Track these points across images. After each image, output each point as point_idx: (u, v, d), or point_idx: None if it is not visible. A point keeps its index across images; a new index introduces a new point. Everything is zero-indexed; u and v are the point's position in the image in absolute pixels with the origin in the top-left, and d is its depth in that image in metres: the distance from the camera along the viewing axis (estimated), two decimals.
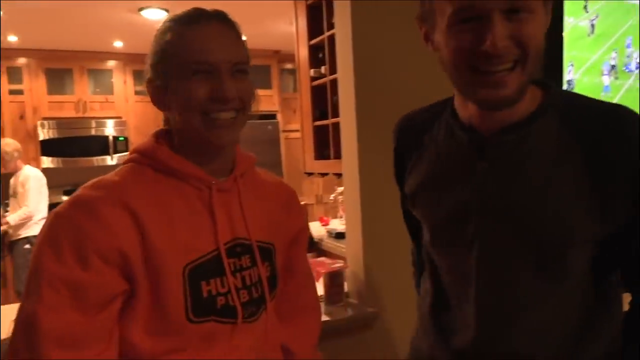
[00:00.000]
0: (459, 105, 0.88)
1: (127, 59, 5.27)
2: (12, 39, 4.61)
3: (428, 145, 0.93)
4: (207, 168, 0.88)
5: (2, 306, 2.01)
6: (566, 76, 2.07)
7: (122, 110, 5.32)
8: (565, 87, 2.06)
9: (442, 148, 0.90)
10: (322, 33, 2.85)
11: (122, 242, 0.78)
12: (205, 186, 0.87)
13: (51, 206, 4.56)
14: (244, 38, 0.89)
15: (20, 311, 0.78)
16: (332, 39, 2.61)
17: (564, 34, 2.01)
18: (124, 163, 0.89)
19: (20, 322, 0.77)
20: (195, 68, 0.81)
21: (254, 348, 0.91)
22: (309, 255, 1.18)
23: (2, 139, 4.29)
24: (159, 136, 0.89)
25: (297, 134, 5.37)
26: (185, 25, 0.83)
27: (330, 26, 2.70)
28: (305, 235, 1.10)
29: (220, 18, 0.86)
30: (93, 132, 5.15)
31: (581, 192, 0.77)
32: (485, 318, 0.85)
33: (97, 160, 5.17)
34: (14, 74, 4.95)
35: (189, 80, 0.82)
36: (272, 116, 5.65)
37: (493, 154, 0.83)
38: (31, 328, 0.74)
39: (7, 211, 4.47)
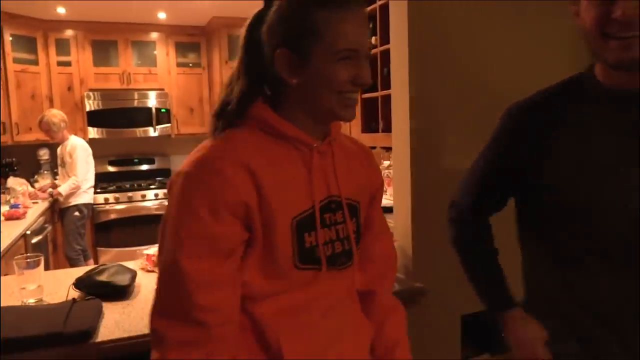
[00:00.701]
0: (607, 78, 0.95)
1: (170, 30, 5.27)
2: (61, 10, 4.69)
3: (571, 126, 0.97)
4: (309, 134, 0.97)
5: (55, 270, 2.09)
6: None
7: (164, 82, 5.37)
8: None
9: (596, 124, 0.95)
10: (373, 2, 2.77)
11: (245, 196, 0.88)
12: (308, 149, 0.97)
13: (97, 175, 4.68)
14: None
15: (163, 264, 0.90)
16: (383, 8, 2.54)
17: None
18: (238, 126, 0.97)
19: (165, 271, 0.89)
20: (345, 54, 0.89)
21: (345, 291, 1.05)
22: None
23: (48, 110, 4.41)
24: (265, 104, 0.96)
25: None
26: (340, 8, 0.89)
27: None
28: (382, 191, 1.18)
29: (362, 2, 0.93)
30: (136, 104, 5.20)
31: None
32: None
33: (139, 131, 5.23)
34: (63, 46, 5.05)
35: (337, 63, 0.89)
36: None
37: None
38: (177, 275, 0.86)
39: (56, 178, 4.62)
